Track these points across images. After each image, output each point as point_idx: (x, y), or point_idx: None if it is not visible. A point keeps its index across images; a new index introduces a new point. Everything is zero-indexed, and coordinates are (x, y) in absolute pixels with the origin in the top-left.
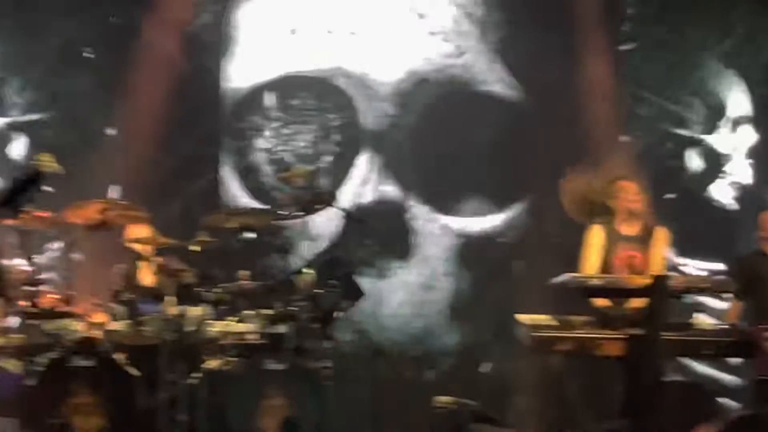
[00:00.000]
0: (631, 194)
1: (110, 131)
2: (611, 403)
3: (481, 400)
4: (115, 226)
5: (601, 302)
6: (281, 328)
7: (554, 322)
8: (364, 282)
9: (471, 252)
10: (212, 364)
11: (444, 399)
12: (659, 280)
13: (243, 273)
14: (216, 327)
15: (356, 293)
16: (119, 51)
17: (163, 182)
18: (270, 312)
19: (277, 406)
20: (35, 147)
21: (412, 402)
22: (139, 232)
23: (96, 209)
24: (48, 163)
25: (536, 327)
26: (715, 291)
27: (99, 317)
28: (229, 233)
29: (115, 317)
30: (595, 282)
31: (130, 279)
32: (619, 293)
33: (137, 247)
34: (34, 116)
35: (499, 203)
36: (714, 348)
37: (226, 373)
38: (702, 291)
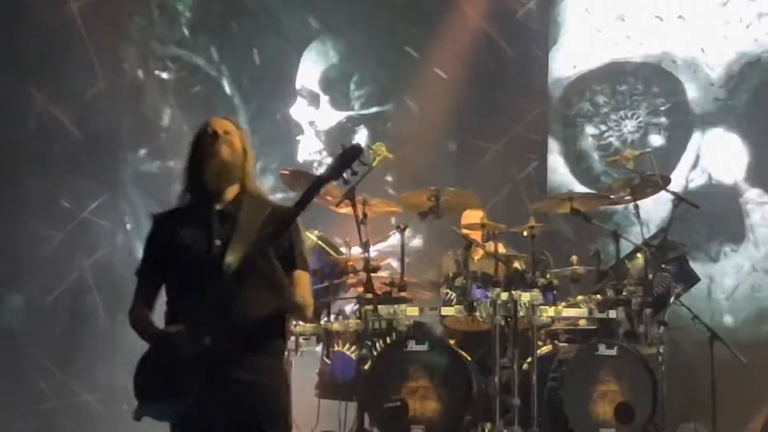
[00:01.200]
0: None
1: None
2: None
3: None
4: (446, 212)
5: None
6: (613, 313)
7: None
8: (696, 266)
9: None
10: (544, 349)
11: None
12: None
13: (574, 258)
14: (547, 312)
15: (689, 278)
16: (442, 41)
17: (491, 168)
18: (601, 297)
19: (611, 391)
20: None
21: (749, 388)
22: (471, 217)
23: (427, 196)
24: (380, 151)
25: None
26: None
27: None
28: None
29: (447, 302)
30: None
31: (462, 264)
32: None
33: (469, 232)
34: (374, 109)
35: None
36: None
37: (559, 358)
38: None
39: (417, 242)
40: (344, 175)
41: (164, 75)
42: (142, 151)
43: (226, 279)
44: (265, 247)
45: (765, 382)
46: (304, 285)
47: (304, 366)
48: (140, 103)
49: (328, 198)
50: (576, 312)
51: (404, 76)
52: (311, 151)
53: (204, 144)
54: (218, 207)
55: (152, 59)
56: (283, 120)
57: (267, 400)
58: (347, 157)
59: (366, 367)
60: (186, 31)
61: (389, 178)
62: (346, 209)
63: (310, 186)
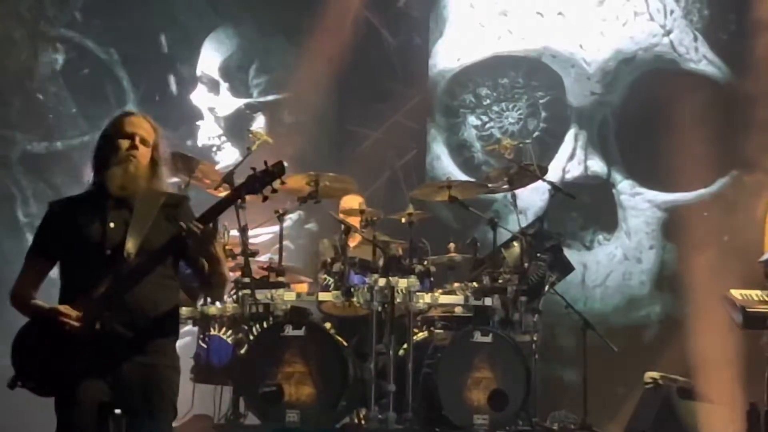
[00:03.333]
0: None
1: None
2: None
3: (687, 375)
4: (326, 197)
5: None
6: (488, 301)
7: (766, 297)
8: (571, 254)
9: (675, 225)
10: (420, 335)
11: (652, 374)
12: None
13: (451, 245)
14: (424, 299)
15: (564, 267)
16: (326, 29)
17: (371, 155)
18: (477, 285)
19: (485, 378)
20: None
21: (619, 375)
22: (349, 203)
23: (306, 180)
24: (259, 135)
25: (748, 302)
26: None
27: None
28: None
29: (325, 288)
30: None
31: (340, 250)
32: None
33: (347, 218)
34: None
35: (704, 179)
36: None
37: (434, 345)
38: None
39: (311, 226)
40: (263, 192)
41: (54, 56)
42: (31, 132)
43: (123, 263)
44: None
45: (636, 369)
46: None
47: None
48: (29, 84)
49: (207, 181)
50: (452, 299)
51: (294, 64)
52: (211, 136)
53: (115, 145)
54: (114, 193)
55: (42, 40)
56: (176, 103)
57: (158, 382)
58: (269, 174)
59: (242, 351)
60: (77, 14)
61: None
62: (224, 193)
63: (226, 197)
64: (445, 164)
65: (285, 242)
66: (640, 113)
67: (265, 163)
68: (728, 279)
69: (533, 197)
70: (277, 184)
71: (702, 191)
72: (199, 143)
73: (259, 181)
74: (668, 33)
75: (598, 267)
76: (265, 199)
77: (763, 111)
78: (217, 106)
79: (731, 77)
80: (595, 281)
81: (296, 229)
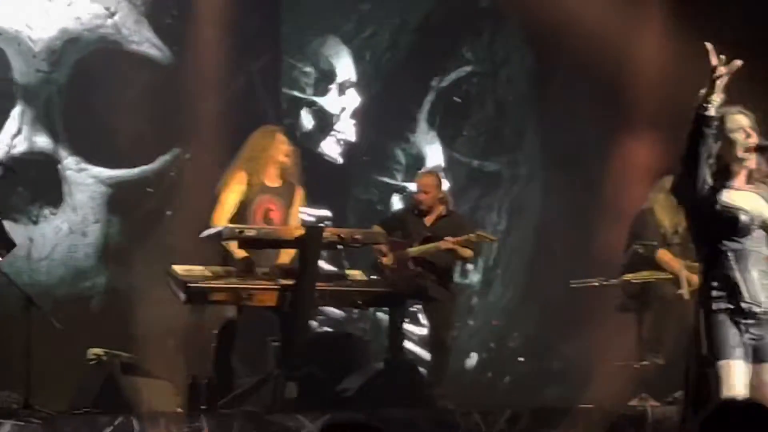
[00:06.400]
0: (284, 146)
1: None
2: (266, 353)
3: (134, 349)
4: None
5: (240, 253)
6: None
7: (208, 273)
8: (18, 228)
9: (120, 201)
10: None
11: (96, 350)
12: (312, 231)
13: None
14: None
15: (7, 243)
16: None
17: None
18: None
19: None
20: None
21: (65, 351)
22: None
23: None
24: None
25: (190, 277)
26: (366, 243)
27: None
28: None
29: None
30: (251, 233)
31: None
32: (273, 244)
33: None
34: None
35: (147, 156)
36: (365, 298)
37: None
38: (354, 242)
39: None
40: None
41: None
42: None
43: None
44: None
45: (82, 344)
46: None
47: None
48: None
49: None
50: None
51: None
52: None
53: None
54: None
55: None
56: None
57: None
58: None
59: None
60: None
61: None
62: None
63: None
64: None
65: None
66: (86, 92)
67: None
68: (173, 254)
69: None
70: None
71: (145, 167)
72: None
73: None
74: (113, 15)
75: (45, 241)
76: None
77: (202, 92)
78: None
79: (173, 59)
80: (41, 255)
81: None
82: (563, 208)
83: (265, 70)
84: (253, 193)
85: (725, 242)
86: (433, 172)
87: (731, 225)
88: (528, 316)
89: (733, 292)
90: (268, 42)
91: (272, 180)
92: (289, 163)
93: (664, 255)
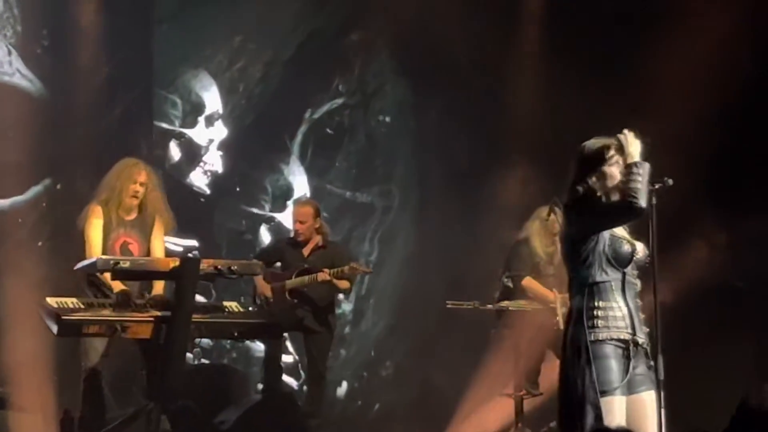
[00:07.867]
0: (140, 177)
1: None
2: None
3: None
4: None
5: (116, 285)
6: None
7: (81, 305)
8: None
9: None
10: None
11: None
12: (188, 262)
13: None
14: None
15: None
16: None
17: None
18: None
19: None
20: None
21: None
22: None
23: None
24: None
25: (64, 310)
26: (242, 274)
27: None
28: None
29: None
30: (125, 264)
31: None
32: (148, 276)
33: None
34: None
35: (19, 186)
36: (242, 329)
37: None
38: (231, 273)
39: None
40: None
41: None
42: None
43: None
44: None
45: None
46: None
47: None
48: None
49: None
50: None
51: None
52: None
53: None
54: None
55: None
56: None
57: None
58: None
59: None
60: None
61: None
62: None
63: None
64: None
65: None
66: None
67: None
68: (44, 285)
69: None
70: None
71: (17, 198)
72: None
73: None
74: None
75: None
76: None
77: (74, 123)
78: None
79: (44, 90)
80: None
81: None
82: (436, 238)
83: (139, 101)
84: (109, 228)
85: (609, 272)
86: (310, 202)
87: (619, 255)
88: (400, 345)
89: (615, 323)
90: (141, 74)
91: (128, 212)
92: (145, 193)
93: (530, 283)
